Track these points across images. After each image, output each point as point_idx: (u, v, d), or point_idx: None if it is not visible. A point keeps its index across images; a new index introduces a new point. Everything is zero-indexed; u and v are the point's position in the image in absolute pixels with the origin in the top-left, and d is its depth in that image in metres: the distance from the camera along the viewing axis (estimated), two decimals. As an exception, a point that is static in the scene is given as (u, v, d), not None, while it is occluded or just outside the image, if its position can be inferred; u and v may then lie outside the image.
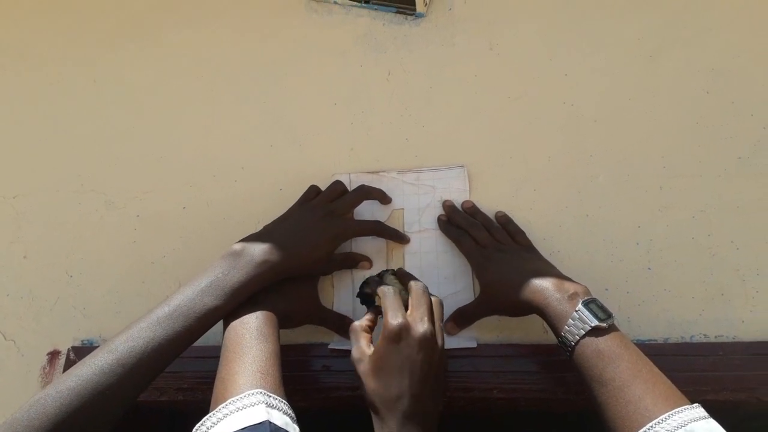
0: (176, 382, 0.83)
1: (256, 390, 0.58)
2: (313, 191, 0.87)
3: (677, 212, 0.84)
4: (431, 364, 0.64)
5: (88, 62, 1.04)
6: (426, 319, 0.65)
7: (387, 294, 0.68)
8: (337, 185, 0.87)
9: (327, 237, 0.79)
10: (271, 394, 0.59)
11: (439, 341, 0.66)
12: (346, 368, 0.82)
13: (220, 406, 0.57)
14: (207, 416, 0.57)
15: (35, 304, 0.93)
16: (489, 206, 0.88)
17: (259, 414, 0.55)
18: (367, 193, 0.86)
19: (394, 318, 0.64)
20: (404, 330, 0.64)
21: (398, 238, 0.86)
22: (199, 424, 0.57)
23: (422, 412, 0.62)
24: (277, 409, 0.57)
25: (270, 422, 0.54)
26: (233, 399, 0.57)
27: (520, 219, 0.86)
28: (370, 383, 0.64)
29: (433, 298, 0.70)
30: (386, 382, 0.63)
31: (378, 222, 0.87)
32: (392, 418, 0.62)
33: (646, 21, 0.92)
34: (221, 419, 0.56)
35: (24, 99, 1.04)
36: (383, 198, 0.89)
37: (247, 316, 0.69)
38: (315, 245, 0.78)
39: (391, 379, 0.63)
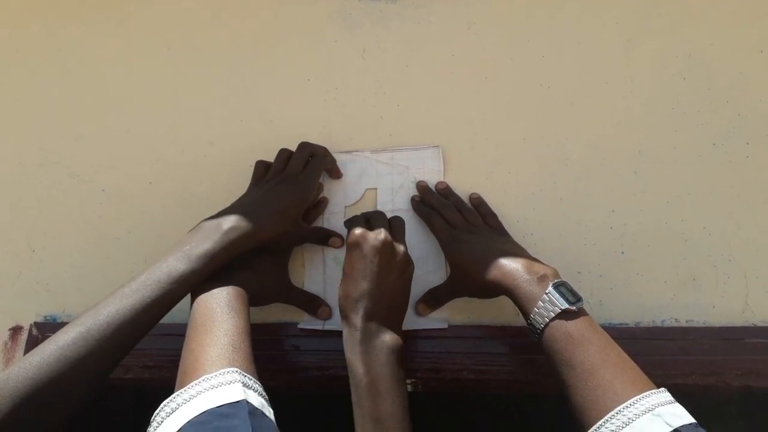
0: (142, 360, 0.81)
1: (232, 368, 0.57)
2: (261, 167, 0.85)
3: (651, 197, 0.84)
4: (389, 268, 0.71)
5: (53, 32, 1.00)
6: (382, 229, 0.72)
7: (352, 218, 0.78)
8: (283, 153, 0.85)
9: (289, 200, 0.78)
10: (246, 374, 0.57)
11: (399, 249, 0.73)
12: (316, 348, 0.81)
13: (192, 383, 0.55)
14: (178, 392, 0.55)
15: (-4, 278, 0.90)
16: (463, 188, 0.87)
17: (235, 393, 0.54)
18: (309, 147, 0.85)
19: (354, 230, 0.72)
20: (361, 238, 0.71)
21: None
22: (168, 400, 0.54)
23: (382, 310, 0.70)
24: (253, 389, 0.56)
25: (247, 401, 0.53)
26: (207, 376, 0.55)
27: (493, 201, 0.86)
28: (339, 291, 0.72)
29: (393, 216, 0.79)
30: (349, 286, 0.70)
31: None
32: (355, 316, 0.69)
33: (624, 6, 0.92)
34: (194, 396, 0.54)
35: (-14, 68, 1.01)
36: (334, 170, 0.88)
37: (216, 289, 0.67)
38: (281, 209, 0.76)
39: (353, 282, 0.70)
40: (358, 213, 0.81)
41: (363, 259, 0.70)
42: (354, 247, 0.71)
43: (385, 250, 0.70)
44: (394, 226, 0.76)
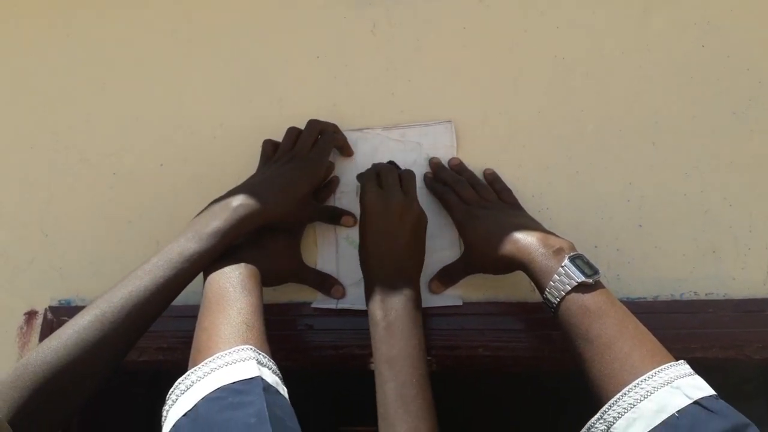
0: (156, 342, 0.81)
1: (246, 346, 0.57)
2: (269, 146, 0.84)
3: (669, 169, 0.83)
4: (403, 225, 0.73)
5: (62, 18, 1.00)
6: (393, 188, 0.74)
7: (365, 175, 0.79)
8: (291, 132, 0.84)
9: (297, 177, 0.77)
10: (260, 352, 0.57)
11: (411, 204, 0.75)
12: (330, 327, 0.81)
13: (206, 360, 0.55)
14: (192, 369, 0.55)
15: (10, 263, 0.90)
16: (477, 163, 0.86)
17: (250, 369, 0.53)
18: (318, 124, 0.84)
19: (367, 188, 0.74)
20: (374, 198, 0.73)
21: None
22: (183, 377, 0.54)
23: (400, 266, 0.73)
24: (267, 367, 0.56)
25: (262, 378, 0.53)
26: (221, 353, 0.55)
27: (508, 176, 0.84)
28: (360, 252, 0.76)
29: (405, 170, 0.81)
30: (369, 244, 0.74)
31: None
32: (376, 272, 0.73)
33: (640, -29, 0.89)
34: (208, 373, 0.54)
35: (-4, 54, 1.01)
36: (345, 148, 0.88)
37: (228, 268, 0.67)
38: (290, 187, 0.76)
39: (372, 241, 0.73)
40: None
41: (378, 218, 0.73)
42: (368, 207, 0.73)
43: (398, 207, 0.73)
44: (405, 180, 0.77)
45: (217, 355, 0.55)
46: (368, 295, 0.72)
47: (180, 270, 0.66)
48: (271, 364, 0.57)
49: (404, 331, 0.68)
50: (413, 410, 0.63)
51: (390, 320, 0.68)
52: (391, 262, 0.73)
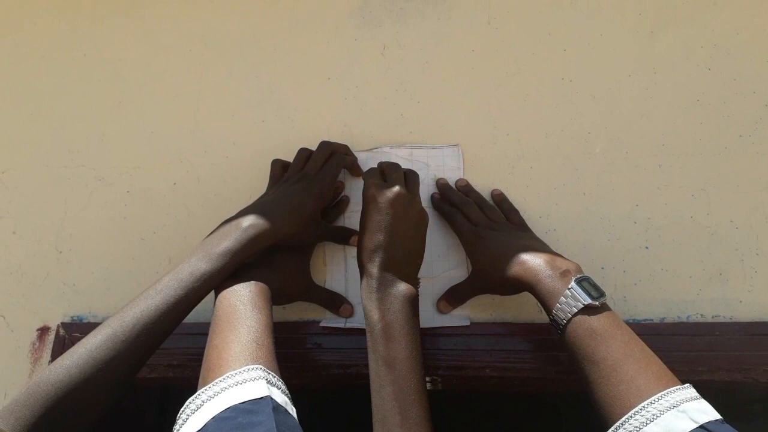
0: (166, 359, 0.82)
1: (255, 365, 0.57)
2: (278, 166, 0.85)
3: (676, 190, 0.83)
4: (404, 219, 0.72)
5: (78, 37, 1.02)
6: (397, 183, 0.73)
7: (369, 170, 0.78)
8: (302, 153, 0.85)
9: (306, 197, 0.78)
10: (269, 371, 0.57)
11: (413, 201, 0.74)
12: (339, 346, 0.81)
13: (217, 379, 0.56)
14: (203, 389, 0.55)
15: (25, 279, 0.91)
16: (484, 184, 0.87)
17: (260, 389, 0.54)
18: (329, 146, 0.85)
19: (370, 183, 0.73)
20: (377, 191, 0.72)
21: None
22: (193, 397, 0.55)
23: (398, 261, 0.71)
24: (276, 387, 0.56)
25: (272, 398, 0.53)
26: (231, 373, 0.56)
27: (515, 197, 0.85)
28: (358, 243, 0.74)
29: (408, 169, 0.79)
30: (366, 238, 0.72)
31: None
32: (372, 266, 0.70)
33: (647, -5, 0.90)
34: (218, 392, 0.54)
35: (13, 73, 1.02)
36: (354, 168, 0.89)
37: (239, 286, 0.68)
38: (298, 206, 0.77)
39: (370, 235, 0.71)
40: None
41: (379, 212, 0.71)
42: (370, 200, 0.72)
43: (400, 202, 0.71)
44: (409, 179, 0.77)
45: (227, 374, 0.56)
46: (364, 290, 0.70)
47: (191, 290, 0.66)
48: (281, 383, 0.58)
49: (402, 333, 0.66)
50: (412, 417, 0.62)
51: (388, 321, 0.67)
52: (389, 258, 0.70)
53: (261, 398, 0.53)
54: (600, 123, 0.87)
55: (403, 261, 0.71)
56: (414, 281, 0.73)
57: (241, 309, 0.65)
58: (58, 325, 0.88)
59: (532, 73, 0.90)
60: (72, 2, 1.04)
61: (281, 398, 0.55)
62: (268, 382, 0.55)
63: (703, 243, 0.81)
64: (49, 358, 0.86)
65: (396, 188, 0.72)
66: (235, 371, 0.56)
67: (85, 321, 0.87)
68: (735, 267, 0.80)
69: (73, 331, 0.86)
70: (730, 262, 0.80)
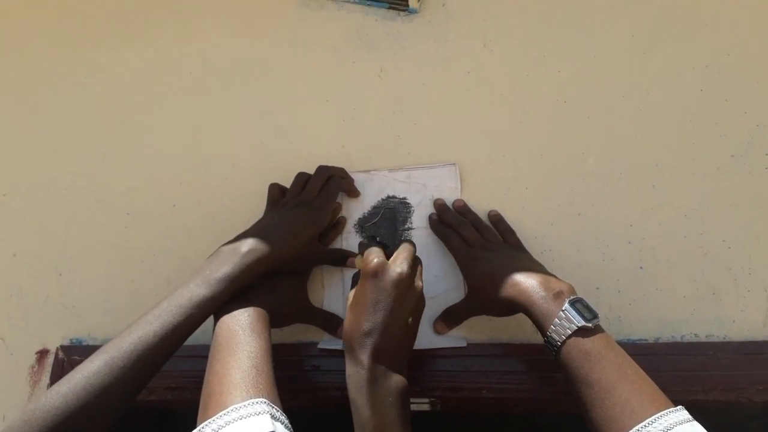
0: (165, 381, 0.83)
1: (260, 399, 0.57)
2: (275, 190, 0.86)
3: (669, 210, 0.84)
4: (404, 303, 0.67)
5: (79, 59, 1.03)
6: (405, 263, 0.68)
7: (369, 245, 0.72)
8: (300, 177, 0.86)
9: (304, 223, 0.79)
10: (273, 406, 0.58)
11: (417, 285, 0.69)
12: (336, 368, 0.82)
13: (221, 413, 0.56)
14: (206, 422, 0.55)
15: (24, 302, 0.92)
16: (481, 204, 0.88)
17: (264, 424, 0.54)
18: (327, 170, 0.86)
19: (373, 257, 0.68)
20: (381, 268, 0.67)
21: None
22: (197, 430, 0.55)
23: (392, 348, 0.65)
24: (280, 422, 0.56)
25: None
26: (235, 406, 0.56)
27: (511, 217, 0.86)
28: (347, 318, 0.68)
29: (413, 251, 0.73)
30: (360, 317, 0.66)
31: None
32: (362, 351, 0.64)
33: (639, 18, 0.92)
34: (222, 426, 0.54)
35: (14, 95, 1.03)
36: (351, 190, 0.89)
37: (238, 311, 0.68)
38: (296, 232, 0.77)
39: (364, 314, 0.65)
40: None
41: (379, 291, 0.66)
42: (371, 276, 0.67)
43: (404, 284, 0.67)
44: (415, 262, 0.72)
45: (231, 407, 0.56)
46: (352, 379, 0.65)
47: (189, 315, 0.67)
48: (284, 418, 0.58)
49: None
50: None
51: (380, 420, 0.62)
52: (383, 344, 0.64)
53: None
54: (594, 144, 0.88)
55: (396, 348, 0.66)
56: (404, 370, 0.67)
57: (241, 334, 0.65)
58: (57, 348, 0.88)
59: (527, 94, 0.91)
60: (73, 25, 1.06)
61: None
62: (273, 416, 0.55)
63: (696, 263, 0.82)
64: (48, 382, 0.86)
65: (404, 267, 0.67)
66: (239, 405, 0.56)
67: (84, 344, 0.88)
68: (728, 286, 0.80)
69: (72, 354, 0.86)
70: (723, 282, 0.80)
